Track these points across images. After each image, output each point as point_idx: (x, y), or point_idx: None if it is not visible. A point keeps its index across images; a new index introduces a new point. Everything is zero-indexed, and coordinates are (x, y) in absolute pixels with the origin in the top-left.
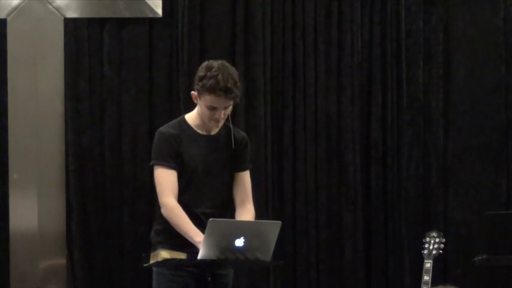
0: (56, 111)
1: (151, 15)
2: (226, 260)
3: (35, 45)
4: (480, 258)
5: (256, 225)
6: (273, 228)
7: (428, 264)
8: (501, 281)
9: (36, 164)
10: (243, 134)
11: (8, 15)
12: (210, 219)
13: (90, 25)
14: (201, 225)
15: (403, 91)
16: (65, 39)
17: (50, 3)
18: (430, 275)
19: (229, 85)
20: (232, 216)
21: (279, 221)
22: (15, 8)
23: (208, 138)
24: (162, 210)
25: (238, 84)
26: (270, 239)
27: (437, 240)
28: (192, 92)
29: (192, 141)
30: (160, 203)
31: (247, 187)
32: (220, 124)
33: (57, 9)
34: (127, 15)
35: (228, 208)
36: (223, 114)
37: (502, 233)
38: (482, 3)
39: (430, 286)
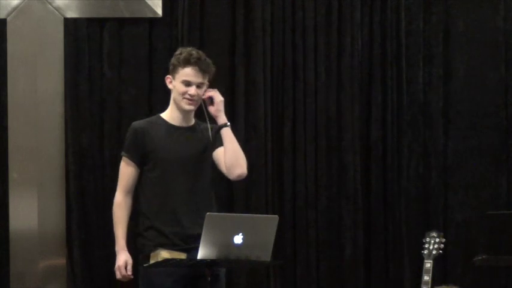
0: (56, 111)
1: (151, 15)
2: (226, 259)
3: (35, 45)
4: (480, 258)
5: (253, 220)
6: (270, 223)
7: (428, 264)
8: (501, 281)
9: (36, 164)
10: (218, 127)
11: (8, 15)
12: (208, 213)
13: (90, 25)
14: (171, 214)
15: (403, 91)
16: (65, 39)
17: (50, 3)
18: (430, 275)
19: (203, 57)
20: (211, 206)
21: (276, 215)
22: (15, 8)
23: (183, 129)
24: (114, 202)
25: (212, 65)
26: (269, 235)
27: (437, 240)
28: (167, 76)
29: (165, 133)
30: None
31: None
32: (194, 106)
33: (57, 9)
34: (127, 15)
35: (206, 197)
36: (197, 91)
37: (502, 233)
38: (482, 3)
39: (430, 286)
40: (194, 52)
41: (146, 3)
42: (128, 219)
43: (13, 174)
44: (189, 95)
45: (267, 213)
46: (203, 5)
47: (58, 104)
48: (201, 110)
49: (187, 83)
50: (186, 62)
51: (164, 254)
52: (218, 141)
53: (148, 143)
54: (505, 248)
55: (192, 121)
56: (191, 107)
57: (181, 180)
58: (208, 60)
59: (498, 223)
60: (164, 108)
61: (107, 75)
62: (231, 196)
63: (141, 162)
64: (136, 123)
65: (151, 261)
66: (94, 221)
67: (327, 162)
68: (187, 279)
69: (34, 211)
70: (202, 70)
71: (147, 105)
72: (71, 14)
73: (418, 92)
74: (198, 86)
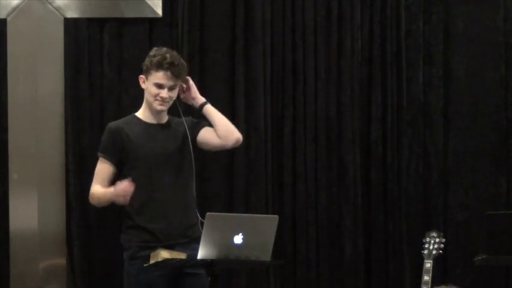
0: (56, 111)
1: (151, 15)
2: (226, 259)
3: (35, 45)
4: (480, 258)
5: (253, 220)
6: (270, 223)
7: (428, 264)
8: (501, 281)
9: (36, 164)
10: (192, 119)
11: (8, 15)
12: (208, 213)
13: (90, 25)
14: (157, 210)
15: (403, 91)
16: (65, 39)
17: (50, 3)
18: (430, 275)
19: (175, 62)
20: (194, 201)
21: (276, 215)
22: (15, 8)
23: (158, 126)
24: (89, 196)
25: (185, 66)
26: (269, 235)
27: (437, 240)
28: (140, 75)
29: (142, 131)
30: None
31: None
32: (165, 107)
33: (57, 9)
34: (127, 15)
35: (190, 192)
36: (168, 94)
37: (502, 233)
38: (482, 3)
39: (430, 286)
40: (168, 56)
41: (146, 3)
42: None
43: (13, 174)
44: (161, 97)
45: (267, 213)
46: (203, 5)
47: (58, 104)
48: (174, 104)
49: (159, 86)
50: (159, 66)
51: (164, 254)
52: (200, 124)
53: (126, 142)
54: (505, 248)
55: (166, 118)
56: (163, 108)
57: (163, 176)
58: (182, 63)
59: (498, 223)
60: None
61: (107, 75)
62: (231, 196)
63: (118, 161)
64: (112, 124)
65: (152, 261)
66: (94, 221)
67: (327, 162)
68: (172, 275)
69: (34, 211)
70: (175, 75)
71: None
72: (71, 14)
73: (418, 92)
74: (170, 88)
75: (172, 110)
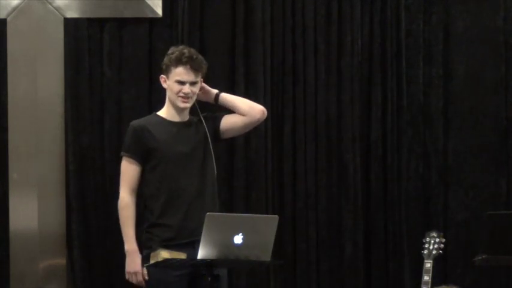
0: (56, 111)
1: (151, 15)
2: (226, 259)
3: (35, 45)
4: (480, 258)
5: (253, 220)
6: (270, 223)
7: (428, 264)
8: (501, 281)
9: (36, 164)
10: (208, 114)
11: (8, 15)
12: (208, 213)
13: (90, 25)
14: (180, 208)
15: (403, 91)
16: (65, 39)
17: (50, 3)
18: (430, 275)
19: (194, 56)
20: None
21: (276, 215)
22: (15, 8)
23: (181, 124)
24: (118, 202)
25: (204, 61)
26: (269, 235)
27: (437, 240)
28: (161, 75)
29: (165, 130)
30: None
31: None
32: (189, 103)
33: (57, 9)
34: (127, 15)
35: (213, 190)
36: (191, 89)
37: (502, 233)
38: (482, 3)
39: (430, 286)
40: (186, 51)
41: (146, 3)
42: (135, 218)
43: (13, 174)
44: (183, 93)
45: (267, 213)
46: (203, 5)
47: (58, 104)
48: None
49: (181, 82)
50: (178, 62)
51: (164, 254)
52: (218, 115)
53: (150, 141)
54: (505, 248)
55: (188, 116)
56: (186, 105)
57: (186, 174)
58: (200, 58)
59: (498, 223)
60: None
61: (107, 75)
62: (231, 196)
63: (143, 160)
64: (135, 122)
65: (152, 261)
66: (94, 221)
67: (327, 162)
68: (191, 276)
69: (34, 211)
70: (194, 69)
71: (147, 105)
72: (71, 14)
73: (418, 92)
74: (192, 84)
75: (191, 110)
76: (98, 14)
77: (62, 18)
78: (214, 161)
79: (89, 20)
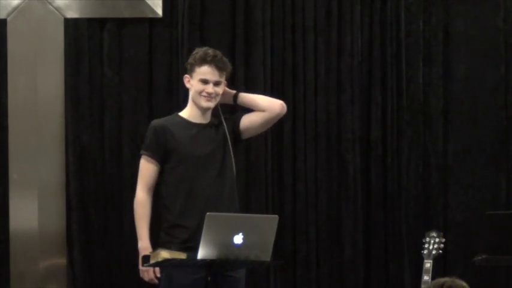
0: (56, 111)
1: (151, 15)
2: (226, 259)
3: (35, 45)
4: (480, 258)
5: (253, 220)
6: (270, 223)
7: (428, 264)
8: (501, 281)
9: (36, 164)
10: (228, 116)
11: (8, 15)
12: (208, 213)
13: (90, 25)
14: (198, 209)
15: (403, 91)
16: (65, 40)
17: (50, 3)
18: (430, 275)
19: (219, 56)
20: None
21: (276, 215)
22: (15, 8)
23: (202, 126)
24: (134, 199)
25: (229, 63)
26: (269, 235)
27: (437, 240)
28: (185, 75)
29: (186, 130)
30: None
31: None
32: (212, 103)
33: (57, 9)
34: (127, 15)
35: (232, 191)
36: (214, 89)
37: (502, 233)
38: (482, 3)
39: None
40: (210, 51)
41: (146, 3)
42: (149, 216)
43: (13, 175)
44: (207, 93)
45: (267, 213)
46: (203, 5)
47: (58, 104)
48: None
49: (205, 81)
50: (202, 61)
51: (164, 254)
52: (237, 115)
53: (170, 141)
54: (505, 248)
55: (209, 118)
56: (210, 104)
57: (206, 176)
58: (225, 59)
59: (498, 223)
60: (164, 108)
61: (107, 76)
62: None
63: (162, 160)
64: (156, 122)
65: (152, 261)
66: (94, 221)
67: (327, 162)
68: (208, 277)
69: (34, 211)
70: (219, 68)
71: (147, 105)
72: (71, 14)
73: (418, 92)
74: (215, 84)
75: (212, 112)
76: (98, 14)
77: (62, 18)
78: (234, 163)
79: (89, 20)
